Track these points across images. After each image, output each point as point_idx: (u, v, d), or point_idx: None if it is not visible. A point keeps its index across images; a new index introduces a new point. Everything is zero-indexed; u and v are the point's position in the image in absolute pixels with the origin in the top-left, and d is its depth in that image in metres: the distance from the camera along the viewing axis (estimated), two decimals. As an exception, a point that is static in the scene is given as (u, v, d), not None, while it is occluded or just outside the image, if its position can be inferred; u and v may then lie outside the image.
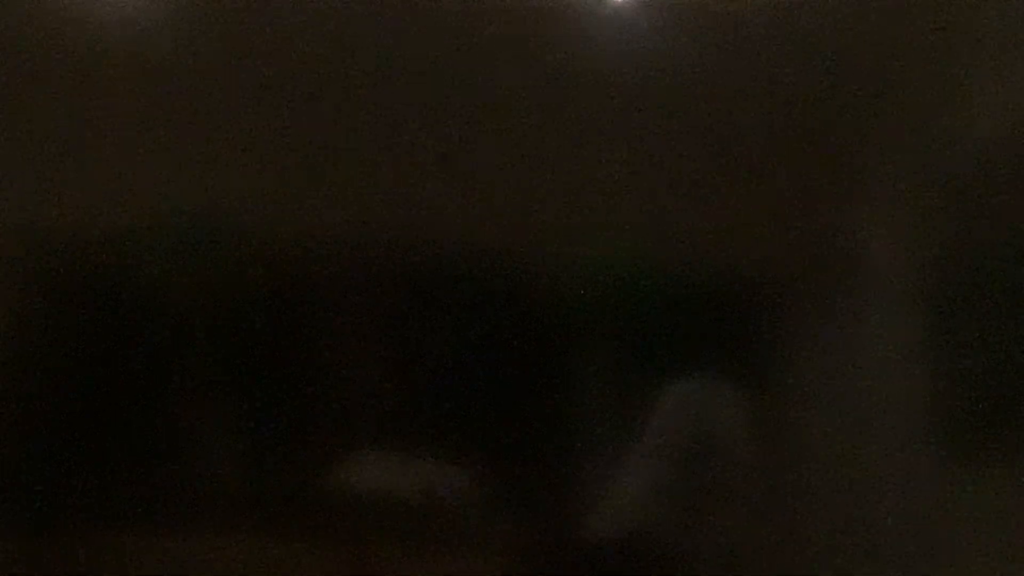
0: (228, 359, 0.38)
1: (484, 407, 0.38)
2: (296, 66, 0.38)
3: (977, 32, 0.40)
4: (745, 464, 0.39)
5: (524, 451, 0.38)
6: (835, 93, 0.39)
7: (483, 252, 0.38)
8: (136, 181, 0.38)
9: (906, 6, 0.39)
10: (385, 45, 0.38)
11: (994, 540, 0.40)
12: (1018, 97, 0.40)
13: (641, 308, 0.38)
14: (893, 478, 0.39)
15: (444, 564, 0.38)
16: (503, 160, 0.38)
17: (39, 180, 0.38)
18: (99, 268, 0.38)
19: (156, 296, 0.38)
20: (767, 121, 0.39)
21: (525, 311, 0.38)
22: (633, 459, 0.38)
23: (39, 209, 0.38)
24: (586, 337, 0.38)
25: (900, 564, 0.40)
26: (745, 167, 0.39)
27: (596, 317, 0.38)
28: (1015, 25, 0.40)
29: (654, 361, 0.38)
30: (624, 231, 0.39)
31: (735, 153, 0.39)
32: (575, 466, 0.39)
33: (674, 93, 0.39)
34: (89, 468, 0.38)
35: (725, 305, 0.39)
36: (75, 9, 0.39)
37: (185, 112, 0.38)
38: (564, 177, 0.38)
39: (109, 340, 0.38)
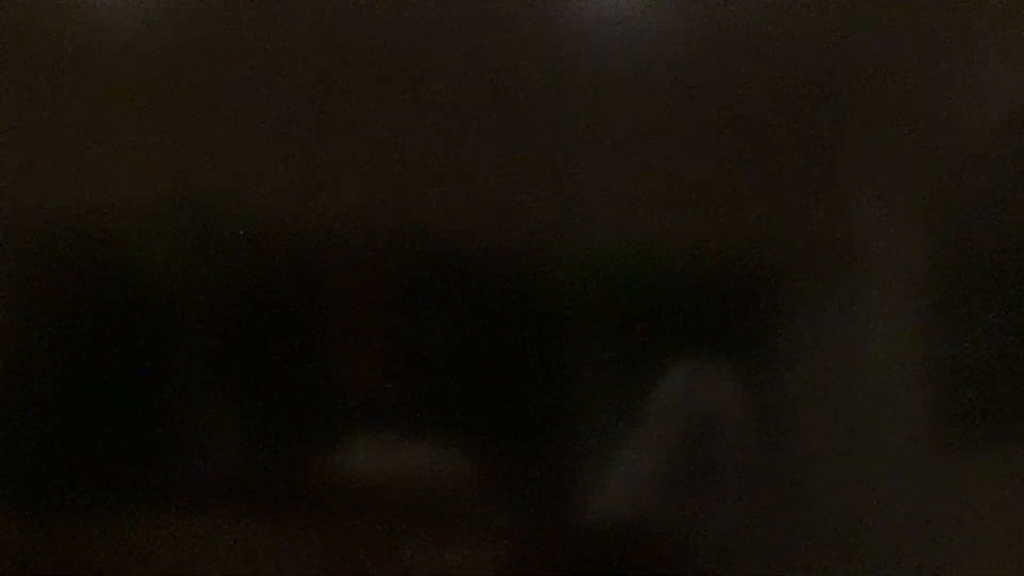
0: (224, 345, 0.38)
1: (481, 392, 0.38)
2: (297, 57, 0.38)
3: (978, 20, 0.40)
4: (745, 449, 0.39)
5: (522, 436, 0.38)
6: (834, 82, 0.39)
7: (481, 238, 0.38)
8: (136, 171, 0.38)
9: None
10: (387, 34, 0.38)
11: (991, 523, 0.40)
12: (1019, 85, 0.40)
13: (640, 294, 0.38)
14: (893, 464, 0.39)
15: (441, 549, 0.39)
16: (500, 148, 0.38)
17: (39, 171, 0.38)
18: (98, 255, 0.38)
19: (151, 282, 0.38)
20: (765, 109, 0.39)
21: (523, 296, 0.38)
22: (632, 444, 0.39)
23: (39, 199, 0.39)
24: (584, 322, 0.38)
25: (900, 549, 0.40)
26: (744, 155, 0.39)
27: (594, 302, 0.38)
28: (1017, 12, 0.40)
29: (653, 346, 0.38)
30: (623, 219, 0.39)
31: (734, 142, 0.39)
32: (573, 451, 0.39)
33: (670, 84, 0.39)
34: (84, 454, 0.38)
35: (724, 291, 0.39)
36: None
37: (185, 102, 0.38)
38: (561, 165, 0.38)
39: (105, 326, 0.38)
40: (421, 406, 0.38)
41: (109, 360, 0.38)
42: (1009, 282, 0.39)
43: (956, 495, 0.40)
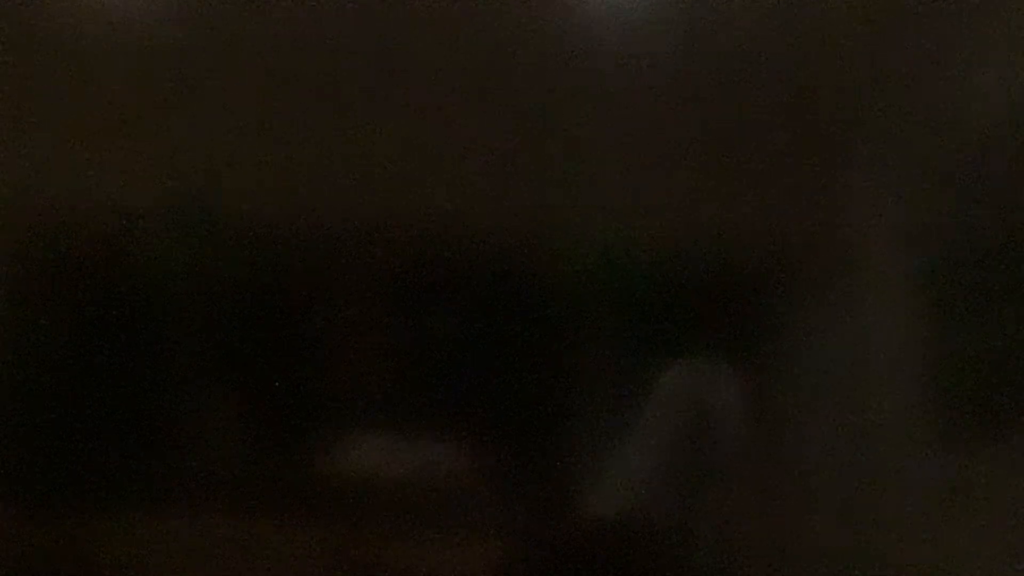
0: (225, 344, 0.38)
1: (481, 390, 0.38)
2: (298, 56, 0.38)
3: (975, 18, 0.40)
4: (742, 446, 0.39)
5: (522, 435, 0.39)
6: (834, 80, 0.39)
7: (481, 236, 0.38)
8: (137, 170, 0.38)
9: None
10: (388, 36, 0.38)
11: (991, 522, 0.40)
12: (1016, 83, 0.40)
13: (639, 292, 0.38)
14: (891, 459, 0.40)
15: (440, 546, 0.39)
16: (503, 148, 0.38)
17: (40, 171, 0.38)
18: (98, 256, 0.38)
19: (153, 281, 0.38)
20: (765, 108, 0.39)
21: (523, 295, 0.38)
22: (631, 441, 0.39)
23: (40, 199, 0.38)
24: (583, 320, 0.38)
25: (898, 545, 0.40)
26: (743, 153, 0.39)
27: (594, 300, 0.38)
28: (1014, 10, 0.40)
29: (652, 344, 0.39)
30: (623, 217, 0.39)
31: (734, 140, 0.39)
32: (573, 449, 0.39)
33: (670, 81, 0.39)
34: (84, 454, 0.38)
35: (723, 289, 0.39)
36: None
37: (186, 101, 0.38)
38: (561, 165, 0.38)
39: (106, 326, 0.38)
40: (421, 406, 0.38)
41: (109, 360, 0.38)
42: (1007, 276, 0.40)
43: (955, 491, 0.40)
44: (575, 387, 0.39)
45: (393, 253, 0.38)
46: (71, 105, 0.38)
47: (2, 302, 0.39)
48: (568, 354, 0.38)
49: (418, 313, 0.38)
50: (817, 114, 0.39)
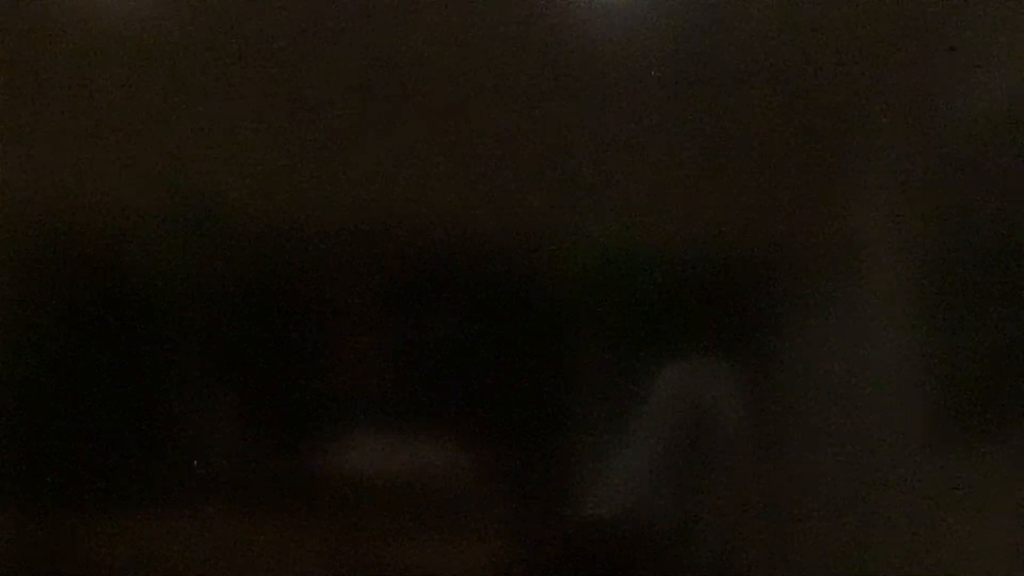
0: (225, 344, 0.38)
1: (481, 390, 0.38)
2: (298, 56, 0.38)
3: (975, 18, 0.40)
4: (742, 445, 0.39)
5: (521, 434, 0.39)
6: (834, 76, 0.39)
7: (479, 234, 0.38)
8: (137, 170, 0.38)
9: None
10: (387, 36, 0.38)
11: (986, 518, 0.40)
12: (1016, 83, 0.40)
13: (638, 290, 0.38)
14: (889, 460, 0.40)
15: (438, 546, 0.39)
16: (501, 148, 0.38)
17: (39, 171, 0.38)
18: (97, 255, 0.38)
19: (152, 280, 0.38)
20: (764, 108, 0.39)
21: (521, 294, 0.38)
22: (630, 441, 0.39)
23: (39, 199, 0.38)
24: (583, 320, 0.38)
25: (895, 544, 0.40)
26: (744, 150, 0.39)
27: (592, 299, 0.38)
28: (1014, 10, 0.40)
29: (651, 343, 0.39)
30: (622, 215, 0.39)
31: (734, 140, 0.39)
32: (571, 448, 0.39)
33: (671, 77, 0.39)
34: (84, 454, 0.38)
35: (723, 289, 0.39)
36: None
37: (186, 101, 0.38)
38: (561, 159, 0.38)
39: (106, 324, 0.38)
40: (421, 406, 0.38)
41: (109, 360, 0.38)
42: (1008, 281, 0.40)
43: (955, 491, 0.40)
44: (575, 387, 0.39)
45: (393, 252, 0.38)
46: (71, 105, 0.38)
47: (2, 302, 0.39)
48: (568, 354, 0.38)
49: (418, 313, 0.38)
50: (817, 114, 0.39)
